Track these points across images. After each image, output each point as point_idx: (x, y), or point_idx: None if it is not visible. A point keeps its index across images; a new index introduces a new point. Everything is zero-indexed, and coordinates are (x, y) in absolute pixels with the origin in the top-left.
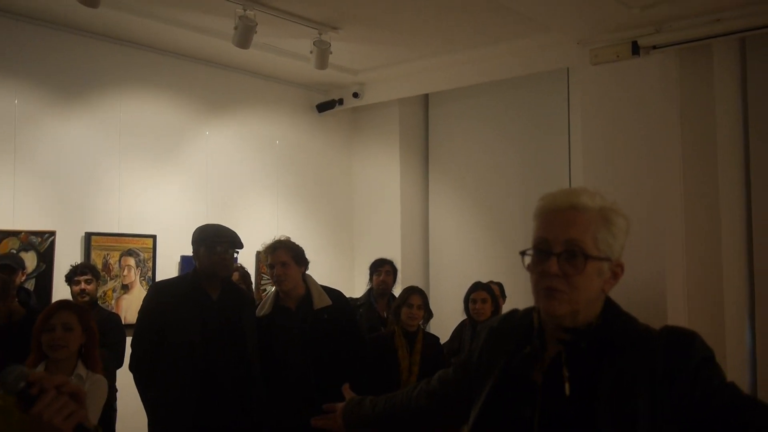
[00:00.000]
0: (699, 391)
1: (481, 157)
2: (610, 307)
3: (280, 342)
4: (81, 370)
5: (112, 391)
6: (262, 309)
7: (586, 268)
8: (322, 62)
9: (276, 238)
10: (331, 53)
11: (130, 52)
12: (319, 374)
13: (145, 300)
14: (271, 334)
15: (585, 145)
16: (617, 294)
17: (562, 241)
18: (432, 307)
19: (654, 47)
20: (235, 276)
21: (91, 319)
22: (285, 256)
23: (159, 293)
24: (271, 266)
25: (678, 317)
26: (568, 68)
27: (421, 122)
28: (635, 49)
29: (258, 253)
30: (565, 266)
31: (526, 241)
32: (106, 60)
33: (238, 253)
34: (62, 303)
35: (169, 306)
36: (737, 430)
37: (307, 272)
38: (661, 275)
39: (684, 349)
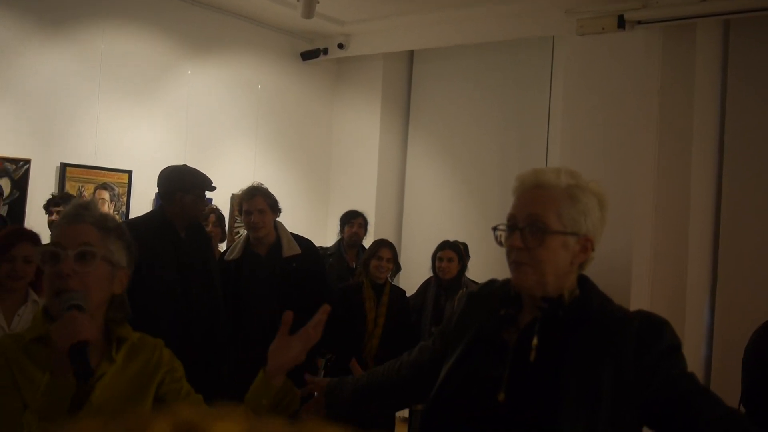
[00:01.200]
0: (660, 377)
1: (461, 117)
2: (586, 283)
3: (248, 287)
4: (34, 296)
5: None
6: (232, 253)
7: (547, 241)
8: (309, 11)
9: (252, 185)
10: (318, 2)
11: None
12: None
13: None
14: (240, 279)
15: (565, 112)
16: (587, 269)
17: (525, 216)
18: (402, 261)
19: (639, 22)
20: (211, 218)
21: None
22: (262, 204)
23: (132, 230)
24: (248, 213)
25: (642, 287)
26: (553, 37)
27: (405, 78)
28: (621, 22)
29: (233, 195)
30: (528, 239)
31: (501, 204)
32: None
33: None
34: (19, 233)
35: (143, 242)
36: (689, 417)
37: (278, 220)
38: (627, 245)
39: (654, 335)
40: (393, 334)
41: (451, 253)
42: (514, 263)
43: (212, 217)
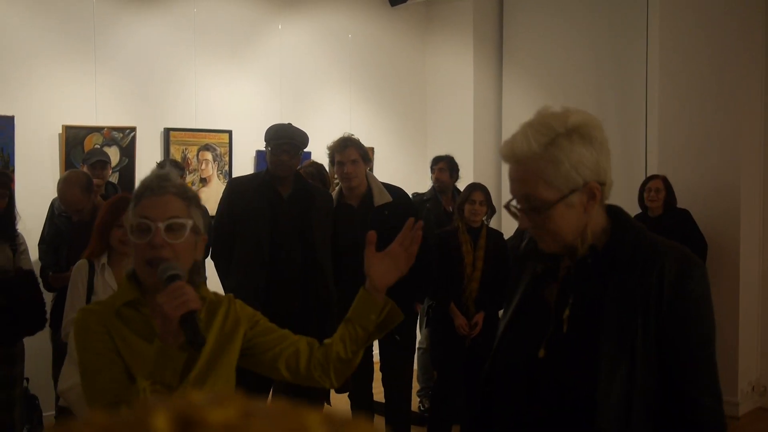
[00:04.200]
0: (669, 330)
1: (556, 54)
2: (618, 221)
3: (343, 238)
4: None
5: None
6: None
7: (550, 213)
8: None
9: (343, 135)
10: None
11: None
12: None
13: (222, 195)
14: (335, 231)
15: (662, 41)
16: (692, 201)
17: (519, 197)
18: (503, 202)
19: None
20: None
21: None
22: (355, 154)
23: (233, 189)
24: (341, 164)
25: (752, 222)
26: None
27: (496, 16)
28: None
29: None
30: (533, 218)
31: None
32: None
33: (301, 152)
34: (128, 200)
35: (241, 202)
36: (671, 383)
37: (368, 170)
38: (736, 180)
39: (677, 283)
40: (493, 277)
41: None
42: (533, 234)
43: (303, 173)
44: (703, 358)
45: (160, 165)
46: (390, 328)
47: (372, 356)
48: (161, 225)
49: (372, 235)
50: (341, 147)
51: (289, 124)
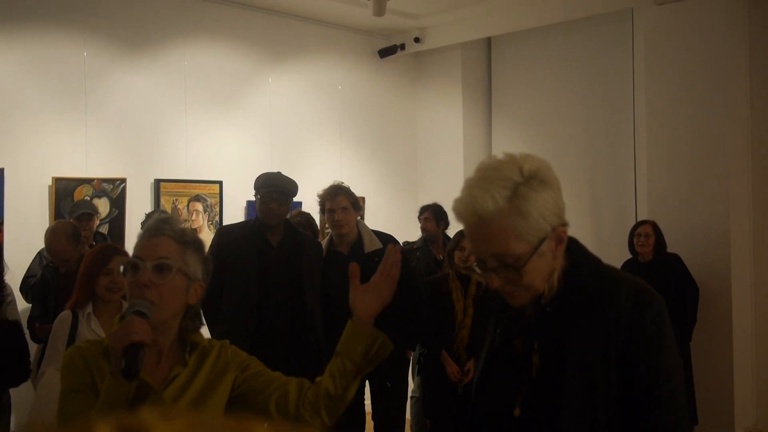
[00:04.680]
0: (630, 370)
1: (544, 100)
2: (573, 260)
3: (334, 285)
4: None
5: None
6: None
7: (525, 269)
8: (380, 8)
9: (334, 183)
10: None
11: (193, 4)
12: None
13: (211, 242)
14: (326, 279)
15: (648, 88)
16: (683, 239)
17: (489, 256)
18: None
19: None
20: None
21: None
22: (345, 202)
23: (222, 237)
24: (331, 211)
25: (742, 261)
26: (632, 9)
27: (484, 66)
28: None
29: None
30: (505, 275)
31: (590, 187)
32: (169, 12)
33: (291, 200)
34: (114, 248)
35: (230, 249)
36: (635, 422)
37: (358, 217)
38: (726, 223)
39: (635, 319)
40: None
41: None
42: (503, 293)
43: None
44: (665, 394)
45: (148, 216)
46: (379, 360)
47: (363, 405)
48: (149, 264)
49: (354, 267)
50: (331, 194)
51: (279, 173)
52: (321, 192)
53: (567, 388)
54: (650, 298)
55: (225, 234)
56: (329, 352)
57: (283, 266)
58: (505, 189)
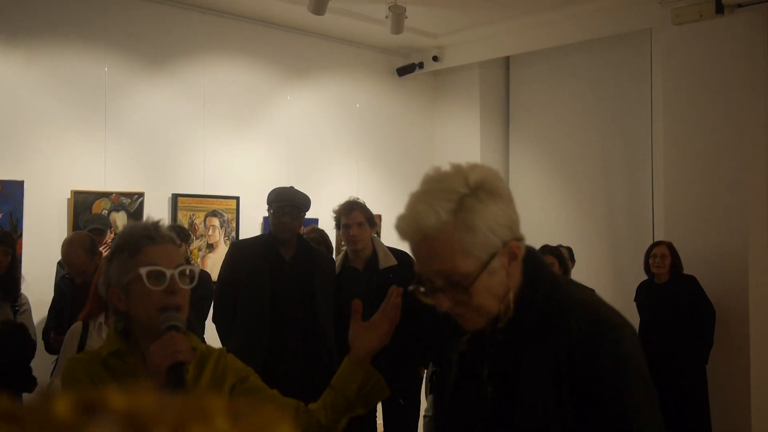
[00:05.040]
0: (582, 396)
1: (562, 119)
2: (529, 278)
3: (348, 301)
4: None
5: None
6: (336, 267)
7: (474, 287)
8: (398, 27)
9: (349, 199)
10: (406, 18)
11: (212, 21)
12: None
13: (225, 257)
14: (340, 294)
15: (667, 107)
16: (700, 260)
17: (436, 275)
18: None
19: (739, 5)
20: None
21: None
22: (360, 217)
23: (235, 252)
24: (347, 227)
25: (761, 284)
26: (650, 29)
27: (502, 85)
28: (719, 7)
29: None
30: (454, 295)
31: (607, 205)
32: (189, 28)
33: (303, 214)
34: None
35: (243, 264)
36: None
37: (373, 234)
38: (743, 245)
39: (588, 344)
40: None
41: (551, 258)
42: (455, 317)
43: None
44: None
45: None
46: (375, 404)
47: (375, 423)
48: (175, 272)
49: (357, 304)
50: (347, 210)
51: (291, 187)
52: (337, 207)
53: (519, 424)
54: (605, 328)
55: (238, 249)
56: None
57: (296, 281)
58: (450, 202)
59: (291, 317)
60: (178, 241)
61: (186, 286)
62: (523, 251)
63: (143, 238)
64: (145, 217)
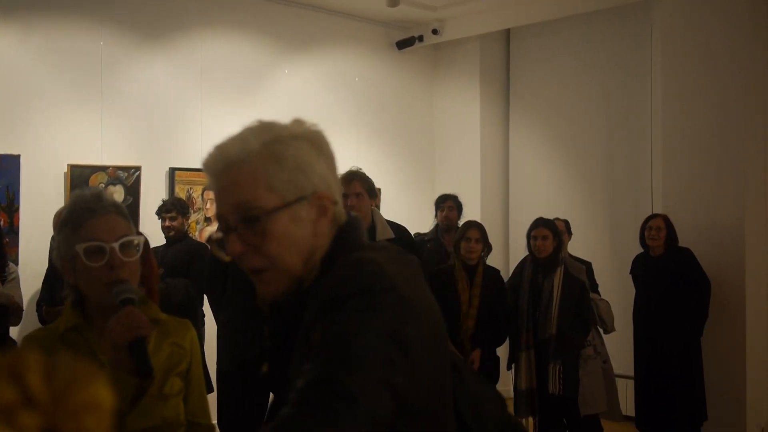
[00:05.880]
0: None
1: (562, 93)
2: (336, 247)
3: None
4: None
5: (199, 315)
6: None
7: (270, 228)
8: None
9: (350, 169)
10: None
11: None
12: None
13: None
14: None
15: (664, 79)
16: (698, 234)
17: (231, 210)
18: (511, 242)
19: None
20: None
21: (149, 252)
22: (359, 188)
23: None
24: (345, 196)
25: (757, 260)
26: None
27: (503, 58)
28: None
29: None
30: (248, 236)
31: (607, 176)
32: (186, 3)
33: None
34: None
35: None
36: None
37: (374, 206)
38: (740, 218)
39: (322, 291)
40: (489, 314)
41: (546, 231)
42: (250, 272)
43: None
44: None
45: (164, 202)
46: None
47: None
48: (115, 245)
49: None
50: (347, 180)
51: None
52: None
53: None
54: (358, 284)
55: None
56: None
57: None
58: (266, 134)
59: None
60: (125, 211)
61: (130, 258)
62: (338, 214)
63: (84, 211)
64: (143, 192)
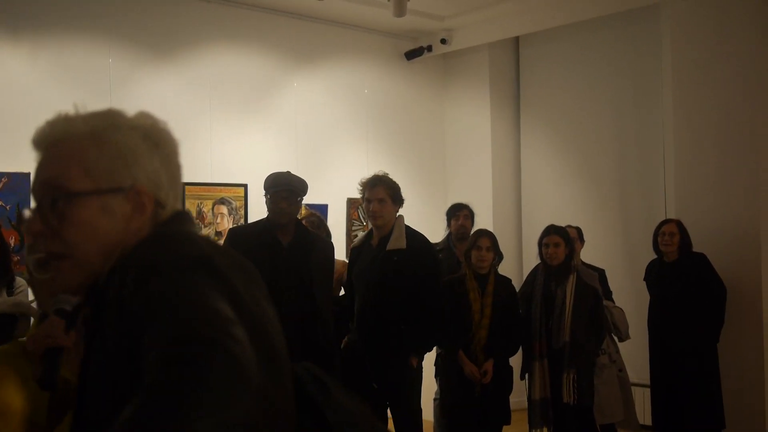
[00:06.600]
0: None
1: (573, 98)
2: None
3: (356, 276)
4: None
5: None
6: (357, 240)
7: (73, 211)
8: (400, 9)
9: (376, 173)
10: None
11: (217, 9)
12: (378, 313)
13: (223, 243)
14: (353, 267)
15: (676, 83)
16: (712, 238)
17: (41, 186)
18: (524, 249)
19: None
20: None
21: None
22: (383, 193)
23: (233, 238)
24: (368, 201)
25: None
26: (659, 3)
27: (512, 66)
28: None
29: (349, 199)
30: (49, 218)
31: (619, 183)
32: (194, 17)
33: (300, 199)
34: None
35: (241, 249)
36: None
37: (400, 214)
38: (755, 222)
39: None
40: (501, 323)
41: (557, 239)
42: (45, 258)
43: (306, 223)
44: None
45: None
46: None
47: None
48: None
49: None
50: (371, 184)
51: (288, 172)
52: (363, 180)
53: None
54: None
55: (236, 235)
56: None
57: (294, 265)
58: (99, 119)
59: (289, 302)
60: None
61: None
62: (156, 213)
63: None
64: None
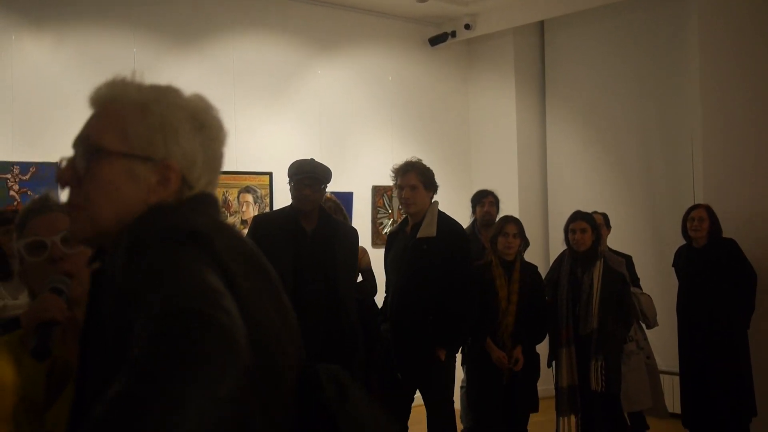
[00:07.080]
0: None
1: (598, 83)
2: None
3: (390, 263)
4: None
5: None
6: (394, 227)
7: (99, 167)
8: None
9: (408, 159)
10: None
11: None
12: (407, 302)
13: (247, 232)
14: (388, 254)
15: (704, 68)
16: (742, 225)
17: (80, 140)
18: (550, 235)
19: None
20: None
21: None
22: (414, 180)
23: (257, 226)
24: (400, 188)
25: None
26: None
27: (537, 51)
28: None
29: (374, 187)
30: (76, 170)
31: (645, 169)
32: (217, 6)
33: (324, 186)
34: None
35: (266, 237)
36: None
37: (435, 200)
38: None
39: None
40: (528, 310)
41: (584, 224)
42: (66, 207)
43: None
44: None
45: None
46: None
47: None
48: (56, 238)
49: None
50: (402, 171)
51: (312, 159)
52: (395, 166)
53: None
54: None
55: (260, 222)
56: (386, 335)
57: (318, 253)
58: (154, 92)
59: (312, 290)
60: None
61: (72, 250)
62: (182, 191)
63: (29, 213)
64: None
